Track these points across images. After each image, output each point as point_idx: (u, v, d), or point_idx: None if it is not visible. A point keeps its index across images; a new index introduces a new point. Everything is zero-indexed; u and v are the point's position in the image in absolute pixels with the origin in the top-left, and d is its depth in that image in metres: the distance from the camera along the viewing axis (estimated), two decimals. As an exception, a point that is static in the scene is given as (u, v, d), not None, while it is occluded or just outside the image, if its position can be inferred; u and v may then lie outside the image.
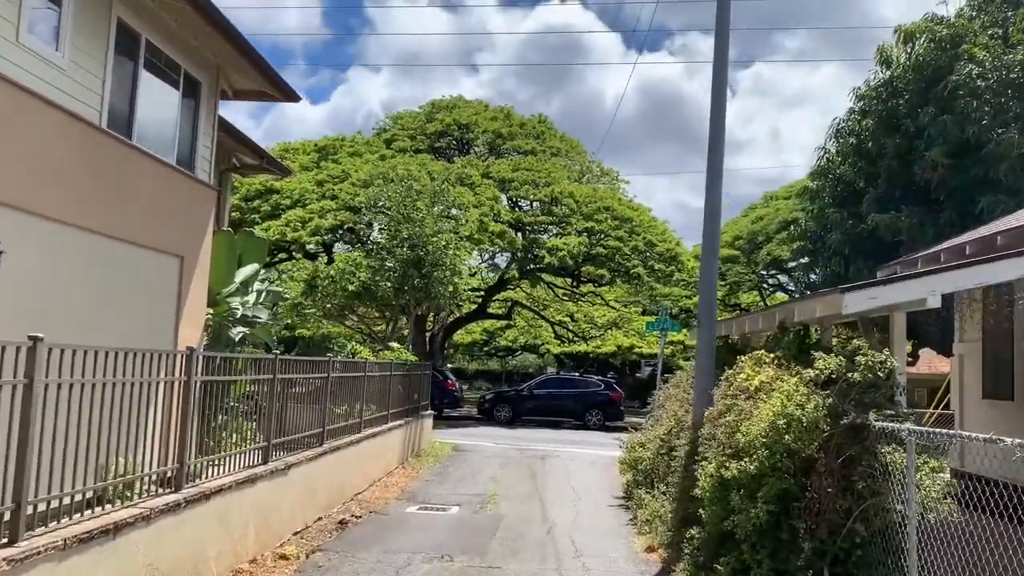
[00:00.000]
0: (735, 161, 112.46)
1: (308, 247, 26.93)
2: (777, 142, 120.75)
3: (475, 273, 38.35)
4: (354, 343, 15.36)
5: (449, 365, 66.90)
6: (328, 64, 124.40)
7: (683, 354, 42.91)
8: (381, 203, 19.20)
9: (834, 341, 8.60)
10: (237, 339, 14.05)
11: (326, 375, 11.44)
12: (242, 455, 8.81)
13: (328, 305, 19.70)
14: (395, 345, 17.45)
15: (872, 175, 17.36)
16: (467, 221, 21.84)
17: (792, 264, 37.39)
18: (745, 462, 7.07)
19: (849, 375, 6.86)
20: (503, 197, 32.07)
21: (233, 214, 32.13)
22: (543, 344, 53.53)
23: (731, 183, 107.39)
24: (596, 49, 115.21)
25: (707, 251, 10.23)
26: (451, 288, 18.28)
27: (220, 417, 8.50)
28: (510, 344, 56.16)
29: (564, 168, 35.37)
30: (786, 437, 6.71)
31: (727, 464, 7.50)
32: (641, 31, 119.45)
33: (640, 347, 46.92)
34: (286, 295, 14.68)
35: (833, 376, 6.96)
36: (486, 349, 60.86)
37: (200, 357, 7.71)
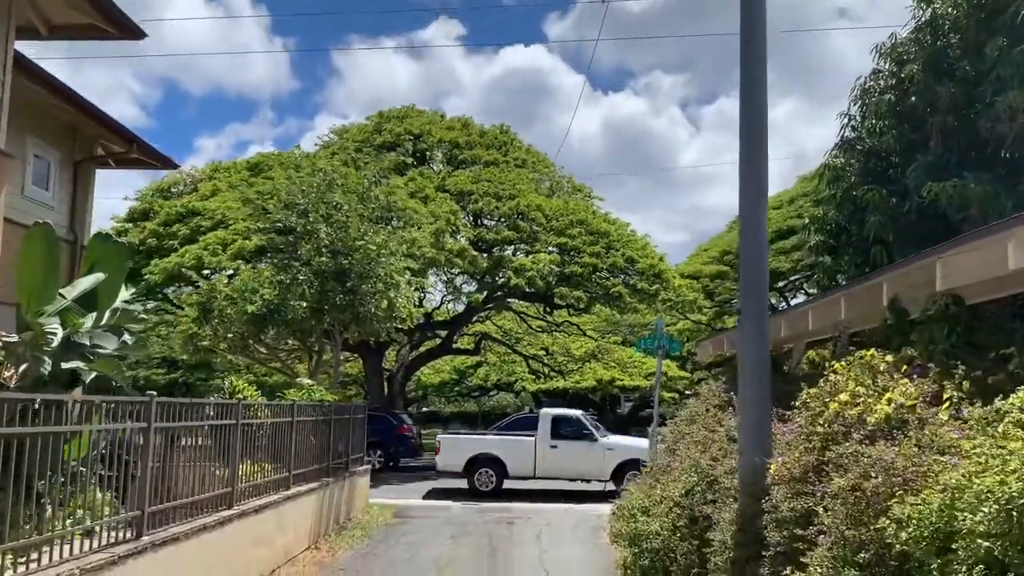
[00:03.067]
0: (701, 197, 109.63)
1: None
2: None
3: (441, 305, 34.29)
4: (232, 378, 11.22)
5: (425, 408, 62.50)
6: (296, 113, 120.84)
7: (666, 386, 38.75)
8: (292, 200, 15.11)
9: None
10: (88, 378, 9.85)
11: (146, 426, 7.25)
12: None
13: (229, 335, 15.45)
14: (306, 381, 13.27)
15: (916, 141, 13.57)
16: (407, 223, 17.76)
17: (795, 277, 33.70)
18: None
19: None
20: (462, 213, 28.14)
21: (150, 241, 27.96)
22: (518, 381, 49.25)
23: (698, 218, 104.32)
24: (562, 90, 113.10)
25: (751, 194, 6.22)
26: (385, 304, 14.15)
27: None
28: (482, 383, 51.85)
29: (531, 181, 31.53)
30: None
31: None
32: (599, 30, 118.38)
33: (622, 380, 42.84)
34: (141, 316, 10.37)
35: None
36: (457, 389, 56.52)
37: None
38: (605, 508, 15.51)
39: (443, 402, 62.07)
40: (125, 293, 11.75)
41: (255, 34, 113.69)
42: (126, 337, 11.01)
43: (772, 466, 5.10)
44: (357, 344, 29.08)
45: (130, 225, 29.57)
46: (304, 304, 13.93)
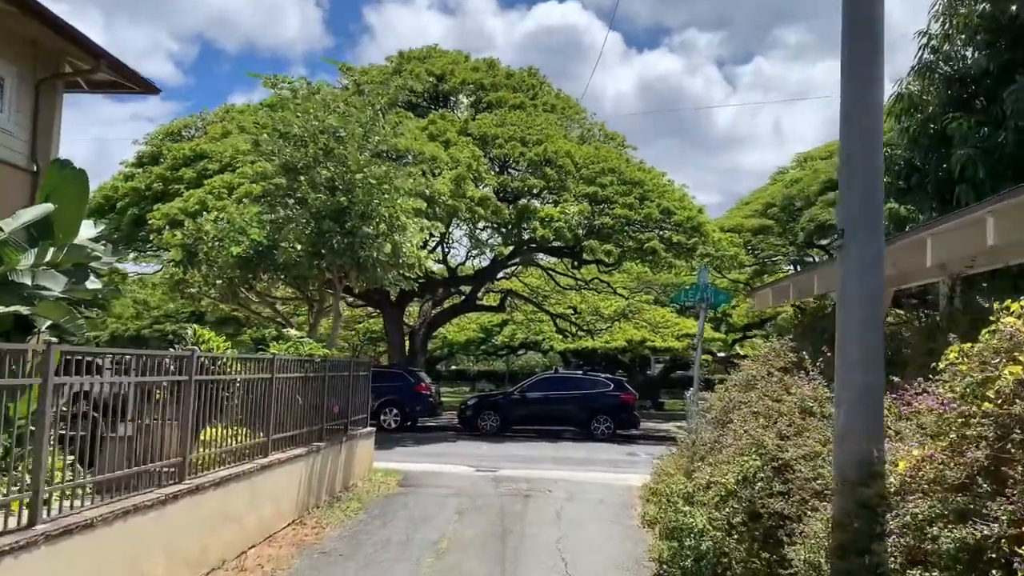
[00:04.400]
0: (736, 158, 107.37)
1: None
2: (779, 137, 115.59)
3: (466, 260, 32.62)
4: (195, 327, 9.63)
5: (453, 367, 61.25)
6: (329, 70, 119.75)
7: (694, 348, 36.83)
8: (288, 130, 13.42)
9: None
10: (44, 325, 8.39)
11: (41, 381, 5.62)
12: None
13: (218, 280, 13.87)
14: (293, 333, 11.64)
15: (1014, 60, 11.46)
16: (416, 160, 15.92)
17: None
18: None
19: None
20: (485, 159, 26.20)
21: (156, 185, 26.55)
22: (545, 340, 47.58)
23: (733, 179, 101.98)
24: (594, 49, 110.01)
25: (859, 54, 4.36)
26: (388, 249, 12.41)
27: None
28: (508, 341, 50.26)
29: (560, 127, 29.44)
30: None
31: None
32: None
33: (652, 341, 40.88)
34: (96, 254, 8.79)
35: None
36: (484, 348, 55.05)
37: None
38: (635, 479, 13.90)
39: (471, 360, 60.89)
40: (91, 229, 10.11)
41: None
42: (92, 280, 9.43)
43: (900, 462, 3.35)
44: (375, 298, 27.57)
45: (139, 170, 28.22)
46: (298, 247, 12.28)
